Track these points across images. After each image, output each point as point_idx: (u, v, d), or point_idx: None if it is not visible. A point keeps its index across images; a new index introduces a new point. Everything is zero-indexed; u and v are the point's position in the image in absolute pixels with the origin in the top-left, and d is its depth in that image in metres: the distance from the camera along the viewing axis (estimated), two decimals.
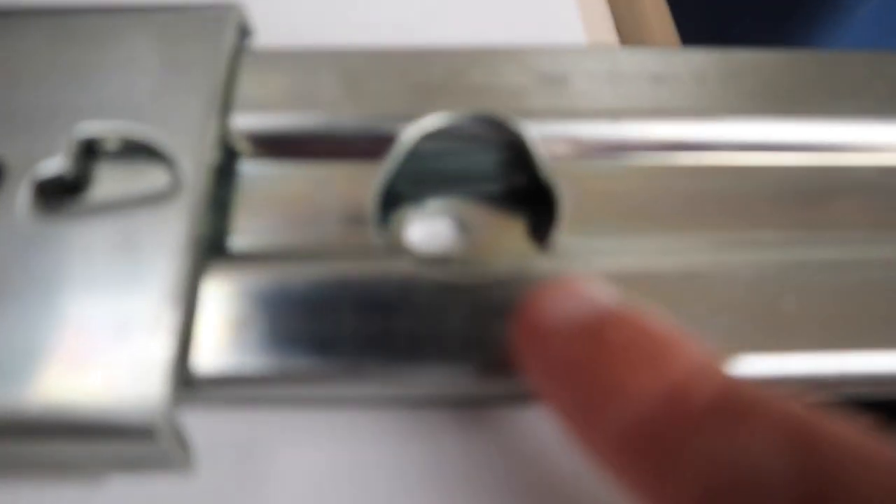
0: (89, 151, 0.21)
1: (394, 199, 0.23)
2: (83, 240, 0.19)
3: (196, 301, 0.19)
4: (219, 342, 0.19)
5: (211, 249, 0.20)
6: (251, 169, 0.22)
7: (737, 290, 0.20)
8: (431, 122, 0.21)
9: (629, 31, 0.28)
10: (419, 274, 0.19)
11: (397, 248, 0.22)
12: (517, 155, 0.22)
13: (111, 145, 0.21)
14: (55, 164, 0.20)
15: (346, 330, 0.19)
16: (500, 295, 0.19)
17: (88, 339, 0.18)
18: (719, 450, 0.13)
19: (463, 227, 0.23)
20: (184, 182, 0.20)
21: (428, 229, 0.23)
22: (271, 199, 0.21)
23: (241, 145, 0.21)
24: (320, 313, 0.19)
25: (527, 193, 0.23)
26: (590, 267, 0.20)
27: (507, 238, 0.22)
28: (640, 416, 0.14)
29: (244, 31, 0.23)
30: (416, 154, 0.22)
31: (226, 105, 0.21)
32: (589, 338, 0.16)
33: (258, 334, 0.19)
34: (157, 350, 0.18)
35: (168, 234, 0.19)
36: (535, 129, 0.22)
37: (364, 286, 0.19)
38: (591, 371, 0.15)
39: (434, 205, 0.23)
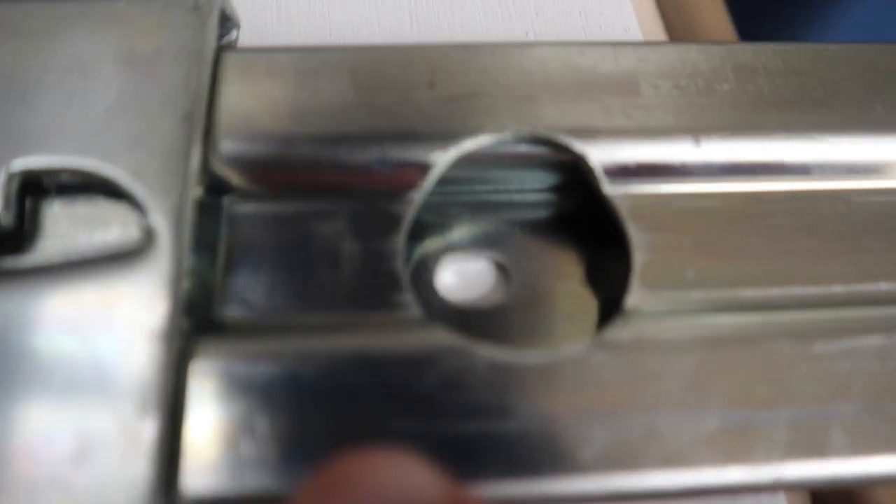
0: (31, 193, 0.16)
1: (416, 231, 0.18)
2: (25, 315, 0.15)
3: (182, 401, 0.14)
4: (213, 456, 0.14)
5: (196, 321, 0.15)
6: (243, 208, 0.17)
7: (865, 364, 0.15)
8: (471, 145, 0.17)
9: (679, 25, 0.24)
10: (466, 351, 0.15)
11: (432, 305, 0.17)
12: (572, 181, 0.18)
13: (60, 184, 0.16)
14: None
15: (376, 431, 0.15)
16: (570, 380, 0.15)
17: (39, 464, 0.13)
18: None
19: (504, 267, 0.18)
20: (157, 231, 0.15)
21: (461, 269, 0.18)
22: (269, 245, 0.17)
23: (230, 177, 0.17)
24: (341, 408, 0.15)
25: (574, 220, 0.19)
26: (674, 334, 0.16)
27: (562, 286, 0.18)
28: None
29: (229, 25, 0.18)
30: (447, 178, 0.18)
31: (209, 124, 0.16)
32: None
33: (264, 441, 0.14)
34: (131, 475, 0.13)
35: (140, 307, 0.15)
36: (599, 150, 0.17)
37: (396, 369, 0.15)
38: None
39: (465, 236, 0.19)
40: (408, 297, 0.16)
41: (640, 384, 0.15)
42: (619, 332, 0.16)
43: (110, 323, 0.14)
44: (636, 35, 0.22)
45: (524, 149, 0.17)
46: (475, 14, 0.22)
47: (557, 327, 0.18)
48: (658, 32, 0.23)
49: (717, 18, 0.23)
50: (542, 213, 0.19)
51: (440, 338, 0.15)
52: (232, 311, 0.16)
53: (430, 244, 0.18)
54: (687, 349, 0.16)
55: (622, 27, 0.22)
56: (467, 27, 0.22)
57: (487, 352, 0.15)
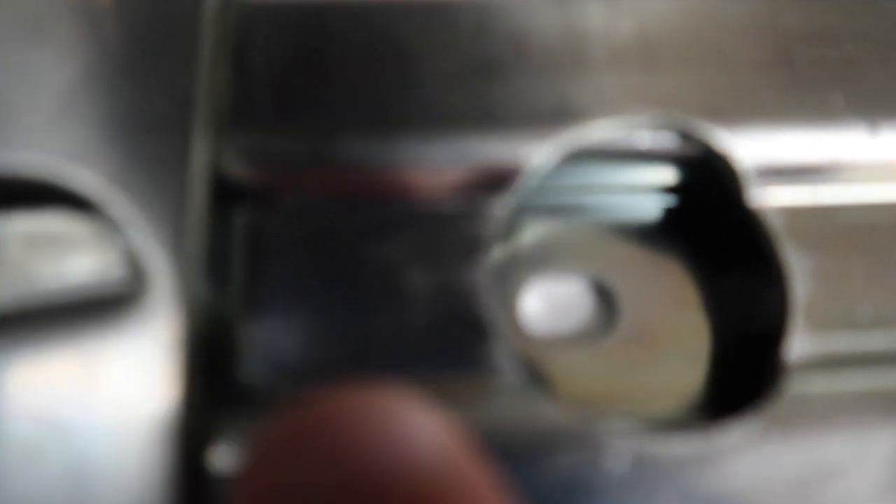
0: None
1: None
2: None
3: None
4: None
5: (210, 390, 0.11)
6: (267, 223, 0.12)
7: None
8: (577, 137, 0.12)
9: None
10: (591, 437, 0.11)
11: (516, 344, 0.13)
12: (701, 180, 0.13)
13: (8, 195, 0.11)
14: None
15: None
16: (733, 477, 0.11)
17: None
18: None
19: (605, 290, 0.14)
20: (149, 261, 0.11)
21: (551, 294, 0.14)
22: (305, 277, 0.12)
23: (248, 179, 0.12)
24: None
25: (698, 231, 0.14)
26: (841, 408, 0.12)
27: (679, 317, 0.14)
28: None
29: None
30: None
31: (217, 105, 0.12)
32: None
33: None
34: None
35: (131, 383, 0.10)
36: (744, 142, 0.13)
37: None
38: None
39: (556, 251, 0.14)
40: (500, 352, 0.11)
41: (823, 479, 0.11)
42: (789, 401, 0.11)
43: (90, 411, 0.10)
44: None
45: (646, 141, 0.13)
46: None
47: (678, 376, 0.13)
48: None
49: None
50: (654, 222, 0.14)
51: (553, 417, 0.11)
52: (257, 372, 0.11)
53: (511, 262, 0.14)
54: (879, 420, 0.11)
55: None
56: None
57: (621, 437, 0.11)
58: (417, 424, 0.08)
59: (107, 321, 0.11)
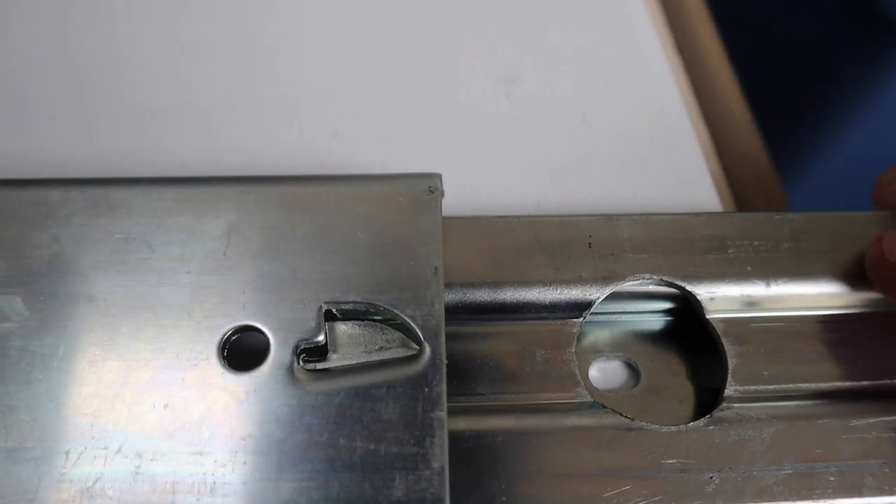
0: (329, 319, 0.25)
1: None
2: (330, 400, 0.23)
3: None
4: None
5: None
6: (465, 330, 0.26)
7: (884, 434, 0.24)
8: (618, 286, 0.26)
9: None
10: (624, 424, 0.24)
11: (592, 394, 0.26)
12: (683, 308, 0.27)
13: (346, 312, 0.25)
14: (315, 333, 0.24)
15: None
16: (695, 444, 0.24)
17: None
18: None
19: (633, 366, 0.27)
20: (424, 344, 0.24)
21: (603, 367, 0.27)
22: (486, 352, 0.25)
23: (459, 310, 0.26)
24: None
25: (683, 334, 0.27)
26: (758, 413, 0.24)
27: (675, 380, 0.27)
28: None
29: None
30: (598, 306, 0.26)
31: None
32: None
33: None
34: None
35: (419, 390, 0.23)
36: (702, 289, 0.26)
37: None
38: None
39: (606, 344, 0.27)
40: (583, 389, 0.25)
41: (739, 446, 0.24)
42: (722, 412, 0.25)
43: (398, 398, 0.23)
44: (716, 202, 0.31)
45: (651, 288, 0.26)
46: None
47: (672, 409, 0.26)
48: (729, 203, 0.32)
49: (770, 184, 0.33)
50: (660, 329, 0.27)
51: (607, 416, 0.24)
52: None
53: (582, 350, 0.27)
54: (767, 424, 0.24)
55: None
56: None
57: (638, 424, 0.24)
58: None
59: (405, 366, 0.24)
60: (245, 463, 0.22)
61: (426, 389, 0.23)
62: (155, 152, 0.31)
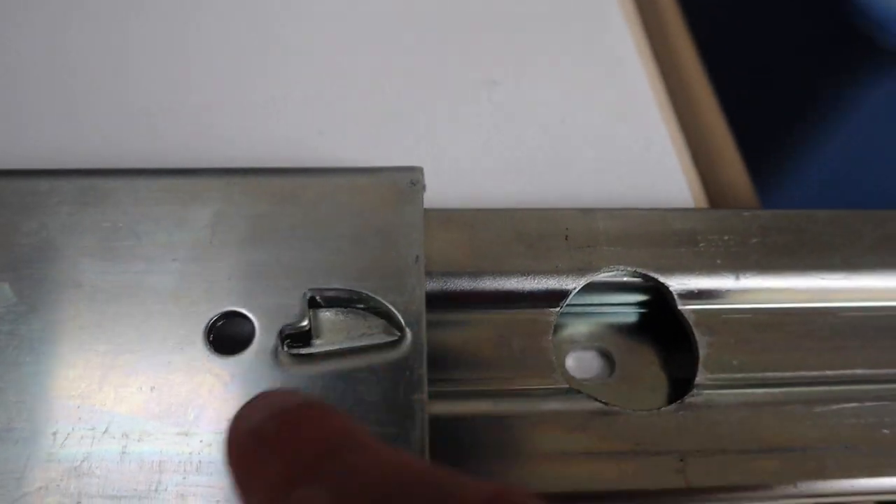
0: (312, 306, 0.25)
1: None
2: (318, 381, 0.24)
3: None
4: None
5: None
6: (446, 318, 0.26)
7: (846, 420, 0.25)
8: (593, 277, 0.27)
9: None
10: (599, 410, 0.25)
11: (568, 382, 0.27)
12: (656, 299, 0.28)
13: (329, 299, 0.25)
14: (299, 319, 0.25)
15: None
16: (666, 427, 0.25)
17: None
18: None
19: (609, 355, 0.28)
20: (406, 331, 0.25)
21: (580, 357, 0.28)
22: (467, 342, 0.26)
23: (439, 298, 0.26)
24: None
25: (656, 325, 0.28)
26: (727, 400, 0.25)
27: (648, 370, 0.28)
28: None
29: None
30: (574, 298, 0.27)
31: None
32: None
33: None
34: None
35: (400, 373, 0.24)
36: (675, 281, 0.27)
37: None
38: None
39: (583, 335, 0.28)
40: (559, 376, 0.26)
41: (708, 430, 0.25)
42: (693, 398, 0.25)
43: (379, 381, 0.24)
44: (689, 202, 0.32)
45: (626, 279, 0.27)
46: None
47: (645, 396, 0.27)
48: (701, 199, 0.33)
49: (743, 183, 0.34)
50: (634, 321, 0.28)
51: (581, 403, 0.25)
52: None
53: (559, 340, 0.28)
54: (735, 409, 0.25)
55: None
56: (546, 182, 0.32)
57: (612, 409, 0.25)
58: None
59: (386, 351, 0.25)
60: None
61: (407, 373, 0.24)
62: (145, 150, 0.32)
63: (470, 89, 0.34)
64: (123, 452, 0.23)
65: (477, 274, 0.26)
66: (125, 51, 0.34)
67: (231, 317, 0.25)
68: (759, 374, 0.26)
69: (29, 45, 0.34)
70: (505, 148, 0.33)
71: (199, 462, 0.22)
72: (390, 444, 0.22)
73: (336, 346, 0.25)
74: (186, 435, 0.23)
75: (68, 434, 0.23)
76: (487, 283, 0.26)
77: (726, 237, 0.28)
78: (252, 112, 0.33)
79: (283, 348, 0.24)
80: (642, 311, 0.28)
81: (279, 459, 0.19)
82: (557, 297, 0.26)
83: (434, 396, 0.24)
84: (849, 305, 0.28)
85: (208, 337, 0.24)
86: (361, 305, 0.25)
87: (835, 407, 0.25)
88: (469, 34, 0.36)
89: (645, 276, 0.27)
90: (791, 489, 0.24)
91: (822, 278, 0.27)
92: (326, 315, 0.25)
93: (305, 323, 0.24)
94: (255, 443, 0.19)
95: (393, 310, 0.24)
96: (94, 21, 0.35)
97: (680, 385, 0.27)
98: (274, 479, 0.18)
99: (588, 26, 0.37)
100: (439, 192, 0.29)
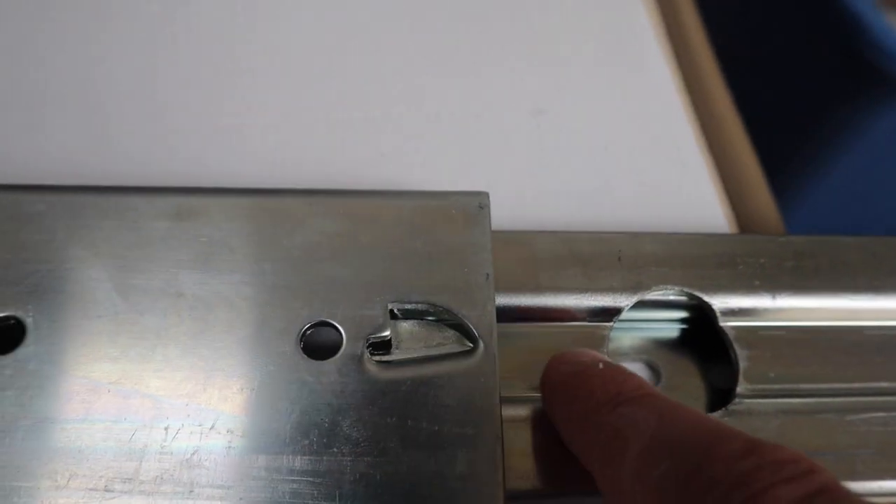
0: (394, 318, 0.28)
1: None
2: (394, 388, 0.27)
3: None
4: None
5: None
6: (513, 329, 0.29)
7: (875, 428, 0.28)
8: (644, 295, 0.29)
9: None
10: None
11: None
12: (699, 316, 0.30)
13: (408, 312, 0.28)
14: (381, 329, 0.27)
15: None
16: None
17: None
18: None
19: (654, 367, 0.31)
20: (479, 341, 0.27)
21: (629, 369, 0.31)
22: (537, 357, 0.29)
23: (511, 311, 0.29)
24: None
25: (699, 340, 0.31)
26: (765, 408, 0.28)
27: (691, 381, 0.30)
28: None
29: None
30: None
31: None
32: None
33: None
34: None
35: (475, 381, 0.27)
36: (717, 300, 0.30)
37: None
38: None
39: (631, 347, 0.31)
40: None
41: (751, 434, 0.27)
42: (736, 406, 0.28)
43: (457, 388, 0.26)
44: (722, 225, 0.35)
45: (672, 297, 0.30)
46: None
47: (688, 405, 0.30)
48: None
49: (771, 211, 0.37)
50: (678, 335, 0.31)
51: None
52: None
53: (611, 353, 0.31)
54: (773, 416, 0.28)
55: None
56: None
57: None
58: None
59: (462, 359, 0.27)
60: (324, 441, 0.25)
61: (482, 380, 0.26)
62: (218, 172, 0.35)
63: (520, 118, 0.37)
64: (229, 447, 0.25)
65: (538, 291, 0.29)
66: (197, 71, 0.37)
67: (320, 326, 0.27)
68: (794, 386, 0.29)
69: (114, 69, 0.37)
70: (554, 173, 0.36)
71: (295, 458, 0.25)
72: (468, 445, 0.25)
73: (415, 354, 0.27)
74: (284, 433, 0.25)
75: (178, 429, 0.25)
76: (549, 299, 0.29)
77: (762, 260, 0.30)
78: (318, 133, 0.36)
79: (367, 355, 0.26)
80: (685, 326, 0.31)
81: (609, 384, 0.23)
82: (611, 313, 0.29)
83: (502, 401, 0.27)
84: (874, 325, 0.31)
85: (300, 344, 0.27)
86: (436, 318, 0.28)
87: (864, 416, 0.28)
88: (518, 66, 0.39)
89: (690, 295, 0.30)
90: None
91: (850, 299, 0.30)
92: (405, 326, 0.28)
93: (387, 333, 0.27)
94: (579, 374, 0.25)
95: (467, 322, 0.27)
96: (161, 36, 0.38)
97: (718, 395, 0.29)
98: (600, 397, 0.23)
99: (628, 61, 0.40)
100: (492, 214, 0.32)
